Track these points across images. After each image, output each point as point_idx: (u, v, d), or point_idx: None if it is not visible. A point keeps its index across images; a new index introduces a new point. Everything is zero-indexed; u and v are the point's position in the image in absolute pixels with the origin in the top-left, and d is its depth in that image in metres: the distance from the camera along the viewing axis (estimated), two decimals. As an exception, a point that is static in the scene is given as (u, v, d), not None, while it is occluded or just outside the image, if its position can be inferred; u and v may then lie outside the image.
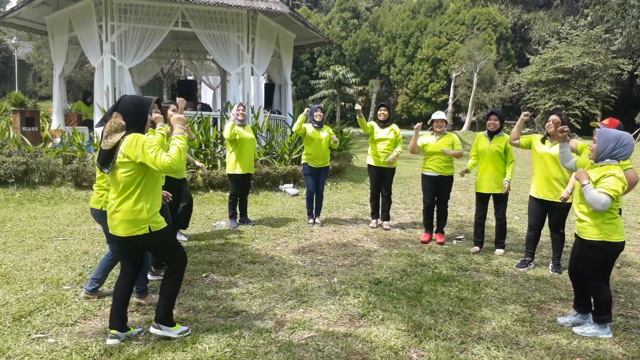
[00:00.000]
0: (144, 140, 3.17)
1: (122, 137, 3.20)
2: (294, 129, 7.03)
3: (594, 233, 3.65)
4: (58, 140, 10.04)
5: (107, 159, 3.21)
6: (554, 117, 5.10)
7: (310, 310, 4.04)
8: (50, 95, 17.41)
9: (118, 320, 3.39)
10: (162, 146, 3.29)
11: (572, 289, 4.05)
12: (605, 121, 4.47)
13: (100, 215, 3.87)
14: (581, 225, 3.75)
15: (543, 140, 5.22)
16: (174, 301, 3.51)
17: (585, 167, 3.82)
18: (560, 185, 5.03)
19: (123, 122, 3.22)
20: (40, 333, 3.47)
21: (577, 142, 4.73)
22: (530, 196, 5.34)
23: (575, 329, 3.78)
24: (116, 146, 3.18)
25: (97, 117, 9.96)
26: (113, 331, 3.36)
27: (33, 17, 11.58)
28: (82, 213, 7.29)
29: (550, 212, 5.18)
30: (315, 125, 6.93)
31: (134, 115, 3.27)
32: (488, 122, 5.81)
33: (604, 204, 3.48)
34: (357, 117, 6.69)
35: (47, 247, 5.56)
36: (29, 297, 4.08)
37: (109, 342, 3.33)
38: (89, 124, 11.01)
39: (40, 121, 10.88)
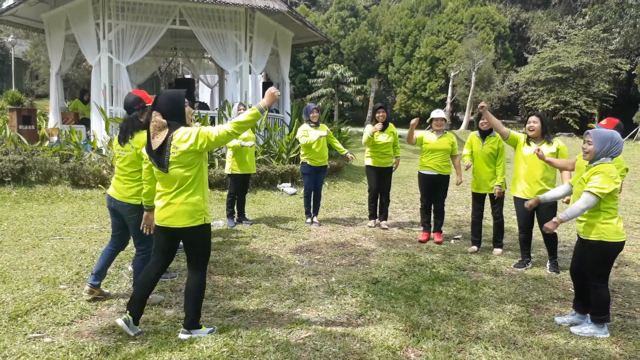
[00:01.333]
0: (192, 131, 3.25)
1: (168, 134, 3.24)
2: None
3: (591, 233, 3.67)
4: (55, 138, 10.01)
5: (161, 158, 3.24)
6: (533, 118, 5.13)
7: (308, 309, 4.03)
8: (47, 94, 17.37)
9: (138, 307, 3.43)
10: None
11: (571, 289, 4.05)
12: (603, 121, 4.47)
13: (131, 210, 3.88)
14: (580, 225, 3.77)
15: (528, 142, 5.20)
16: (202, 303, 3.54)
17: (581, 169, 3.82)
18: (547, 184, 5.06)
19: (164, 121, 3.25)
20: (37, 332, 3.45)
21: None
22: (516, 197, 5.32)
23: (573, 329, 3.78)
24: (164, 144, 3.22)
25: (94, 115, 9.92)
26: (129, 315, 3.39)
27: (30, 15, 11.54)
28: (79, 212, 7.27)
29: (538, 212, 5.17)
30: (313, 124, 6.92)
31: (173, 109, 3.30)
32: (481, 121, 5.80)
33: (588, 205, 3.55)
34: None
35: (43, 246, 5.53)
36: (25, 296, 4.06)
37: (119, 321, 3.37)
38: (86, 122, 10.98)
39: (37, 119, 10.84)
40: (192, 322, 3.45)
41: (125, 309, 3.53)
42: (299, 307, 4.08)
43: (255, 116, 3.32)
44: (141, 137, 3.78)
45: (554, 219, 3.73)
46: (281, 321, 3.77)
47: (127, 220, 3.97)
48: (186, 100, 3.48)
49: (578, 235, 3.84)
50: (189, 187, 3.29)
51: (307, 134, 6.82)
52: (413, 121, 6.16)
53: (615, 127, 4.38)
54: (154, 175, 3.43)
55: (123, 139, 3.93)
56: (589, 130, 3.73)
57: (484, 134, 5.76)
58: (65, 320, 3.66)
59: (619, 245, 3.68)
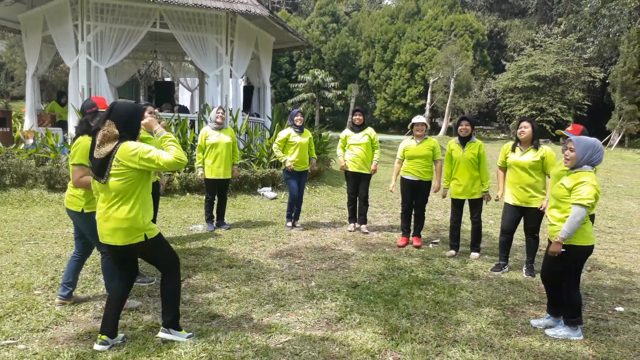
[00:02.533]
0: (139, 147, 3.14)
1: (116, 146, 3.15)
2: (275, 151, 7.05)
3: (567, 239, 3.72)
4: (31, 141, 9.82)
5: (102, 168, 3.14)
6: (524, 123, 5.21)
7: (288, 314, 4.03)
8: (23, 95, 17.03)
9: (112, 325, 3.34)
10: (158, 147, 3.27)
11: (545, 293, 4.12)
12: (569, 127, 4.57)
13: (78, 217, 3.82)
14: (552, 229, 3.83)
15: (513, 148, 5.29)
16: (179, 303, 3.50)
17: (561, 175, 3.90)
18: (534, 191, 5.13)
19: (117, 132, 3.16)
20: (10, 339, 3.38)
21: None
22: (505, 202, 5.42)
23: (548, 332, 3.85)
24: (109, 155, 3.13)
25: (71, 118, 9.76)
26: (103, 337, 3.29)
27: (6, 15, 11.31)
28: (55, 216, 7.14)
29: (526, 217, 5.27)
30: (297, 130, 6.93)
31: (128, 123, 3.22)
32: (459, 127, 5.86)
33: (582, 217, 3.59)
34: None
35: (17, 250, 5.42)
36: (-2, 302, 3.98)
37: (97, 347, 3.26)
38: (63, 124, 10.79)
39: (13, 122, 10.62)
40: (172, 322, 3.44)
41: (99, 329, 3.37)
42: (278, 311, 4.08)
43: (175, 138, 3.34)
44: (82, 140, 3.73)
45: (557, 239, 3.67)
46: (260, 326, 3.77)
47: (81, 228, 3.93)
48: (153, 110, 3.44)
49: (548, 240, 3.92)
50: (127, 202, 3.18)
51: (281, 145, 6.90)
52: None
53: (580, 132, 4.47)
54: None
55: (72, 140, 3.90)
56: (571, 137, 3.78)
57: (464, 140, 5.83)
58: (39, 327, 3.59)
59: (589, 249, 3.77)
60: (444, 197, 4.83)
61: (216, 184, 6.80)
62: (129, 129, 3.22)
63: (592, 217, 4.30)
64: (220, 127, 6.70)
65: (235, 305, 4.17)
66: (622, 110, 26.75)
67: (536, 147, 5.16)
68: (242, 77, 13.09)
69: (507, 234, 5.42)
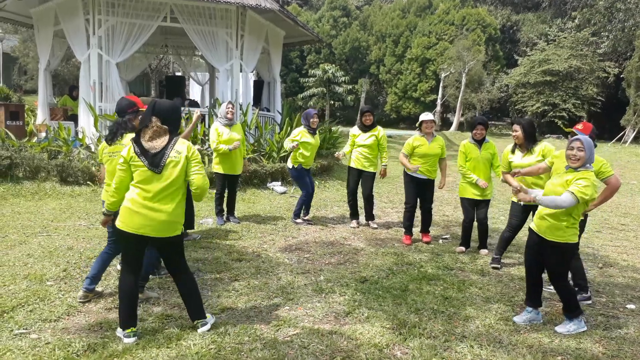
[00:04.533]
0: (197, 151, 3.42)
1: (171, 139, 3.32)
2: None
3: (558, 235, 3.73)
4: (43, 134, 9.93)
5: (157, 159, 3.27)
6: (515, 127, 5.18)
7: (296, 307, 4.05)
8: (35, 89, 17.16)
9: (134, 317, 3.41)
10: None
11: (527, 285, 4.08)
12: (579, 126, 4.50)
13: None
14: (542, 224, 3.82)
15: (513, 150, 5.24)
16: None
17: (560, 173, 3.86)
18: (539, 187, 5.09)
19: (164, 126, 3.31)
20: (23, 329, 3.44)
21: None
22: (513, 201, 5.34)
23: (558, 329, 3.83)
24: (166, 146, 3.29)
25: (82, 112, 9.84)
26: (131, 330, 3.33)
27: (19, 10, 11.41)
28: (67, 209, 7.22)
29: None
30: (311, 131, 6.92)
31: (173, 118, 3.39)
32: (475, 131, 5.75)
33: (567, 204, 3.58)
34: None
35: (30, 242, 5.49)
36: (11, 292, 4.04)
37: (128, 340, 3.29)
38: (75, 118, 10.88)
39: (25, 115, 10.73)
40: (203, 312, 3.58)
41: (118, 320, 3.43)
42: (287, 305, 4.10)
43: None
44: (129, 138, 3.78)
45: (534, 196, 3.77)
46: (269, 319, 3.79)
47: None
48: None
49: (534, 233, 3.89)
50: (176, 195, 3.35)
51: (295, 139, 6.86)
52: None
53: (591, 131, 4.44)
54: (127, 183, 3.38)
55: (111, 139, 3.94)
56: (579, 137, 3.72)
57: (480, 142, 5.79)
58: (51, 317, 3.64)
59: (577, 246, 3.85)
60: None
61: (226, 179, 6.83)
62: (174, 124, 3.39)
63: (582, 223, 4.36)
64: (230, 123, 6.70)
65: (244, 298, 4.20)
66: (637, 105, 26.35)
67: (529, 150, 5.09)
68: (252, 72, 13.09)
69: (513, 230, 5.36)
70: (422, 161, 6.15)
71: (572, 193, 3.57)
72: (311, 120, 6.92)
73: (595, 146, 4.39)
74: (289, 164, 7.03)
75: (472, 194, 5.81)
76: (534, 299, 4.03)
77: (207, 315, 3.61)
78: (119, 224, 3.34)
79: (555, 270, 3.86)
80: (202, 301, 3.59)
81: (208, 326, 3.52)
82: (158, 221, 3.29)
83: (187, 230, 5.83)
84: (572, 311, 3.83)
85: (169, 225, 3.34)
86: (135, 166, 3.31)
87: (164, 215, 3.30)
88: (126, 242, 3.42)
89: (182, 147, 3.34)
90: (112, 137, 3.96)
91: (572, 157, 3.68)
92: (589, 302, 4.47)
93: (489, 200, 5.89)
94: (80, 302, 3.93)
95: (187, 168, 3.35)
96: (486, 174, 5.79)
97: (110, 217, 3.58)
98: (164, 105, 3.38)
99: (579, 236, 4.10)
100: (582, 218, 4.28)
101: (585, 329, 3.81)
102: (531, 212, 5.23)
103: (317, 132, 7.09)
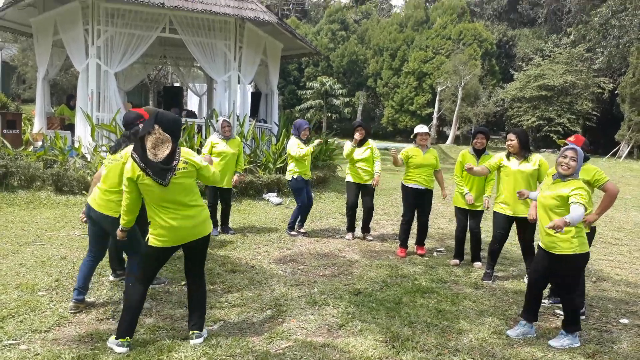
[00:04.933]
0: (194, 154, 3.48)
1: (175, 148, 3.31)
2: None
3: (566, 247, 3.73)
4: (39, 143, 9.91)
5: (164, 172, 3.23)
6: (510, 136, 5.18)
7: (289, 320, 4.03)
8: (33, 98, 17.17)
9: (133, 328, 3.41)
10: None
11: (528, 299, 4.07)
12: (572, 138, 4.56)
13: (112, 222, 3.85)
14: (550, 240, 3.81)
15: (508, 157, 5.25)
16: None
17: (548, 184, 3.92)
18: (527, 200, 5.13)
19: (168, 135, 3.28)
20: (13, 339, 3.41)
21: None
22: (497, 212, 5.34)
23: (552, 342, 3.82)
24: (171, 158, 3.25)
25: (79, 121, 9.85)
26: (126, 339, 3.32)
27: (19, 19, 11.46)
28: (62, 218, 7.20)
29: (523, 227, 5.20)
30: (303, 141, 6.95)
31: (174, 130, 3.35)
32: (475, 140, 5.79)
33: (582, 212, 3.58)
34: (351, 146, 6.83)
35: (23, 252, 5.47)
36: (2, 302, 4.00)
37: (120, 350, 3.28)
38: (73, 128, 10.89)
39: (22, 124, 10.73)
40: (203, 324, 3.61)
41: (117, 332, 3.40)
42: (280, 317, 4.08)
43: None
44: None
45: (565, 218, 3.52)
46: (261, 331, 3.77)
47: (111, 233, 3.95)
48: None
49: (543, 250, 3.90)
50: (195, 199, 3.42)
51: (302, 146, 6.86)
52: (393, 151, 6.22)
53: (583, 144, 4.51)
54: (135, 202, 3.39)
55: (115, 151, 3.97)
56: (573, 146, 3.80)
57: (479, 153, 5.81)
58: (42, 328, 3.61)
59: (587, 256, 3.82)
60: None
61: (217, 191, 6.84)
62: (174, 136, 3.35)
63: (591, 236, 4.37)
64: (227, 138, 6.77)
65: (237, 309, 4.18)
66: (631, 121, 26.57)
67: (525, 158, 5.12)
68: (250, 83, 13.15)
69: (499, 242, 5.37)
70: (417, 172, 6.20)
71: (578, 203, 3.59)
72: (302, 132, 6.95)
73: (587, 159, 4.45)
74: (288, 176, 7.04)
75: (464, 203, 5.84)
76: (531, 313, 4.02)
77: (204, 329, 3.61)
78: (157, 242, 3.34)
79: (565, 282, 3.85)
80: (205, 314, 3.61)
81: (202, 340, 3.50)
82: (195, 224, 3.39)
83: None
84: (571, 325, 3.82)
85: (204, 223, 3.46)
86: (146, 185, 3.26)
87: (198, 217, 3.41)
88: (158, 256, 3.45)
89: (188, 157, 3.37)
90: (117, 147, 3.98)
91: (563, 165, 3.74)
92: (583, 317, 4.47)
93: (481, 211, 5.89)
94: (71, 312, 3.90)
95: (198, 174, 3.46)
96: (480, 186, 5.80)
97: (126, 233, 3.59)
98: (166, 117, 3.36)
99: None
100: (588, 231, 4.28)
101: (579, 344, 3.80)
102: (515, 222, 5.24)
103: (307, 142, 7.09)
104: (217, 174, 3.58)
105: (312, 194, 7.23)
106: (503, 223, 5.27)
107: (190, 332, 3.52)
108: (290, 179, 7.01)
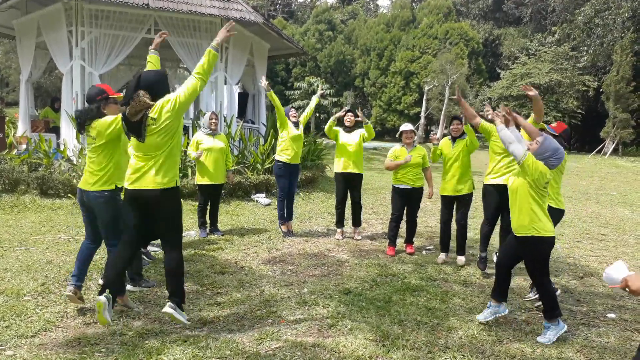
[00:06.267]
0: (170, 97, 3.49)
1: (148, 109, 3.42)
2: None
3: (525, 230, 3.84)
4: (23, 147, 9.77)
5: (138, 128, 3.42)
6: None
7: (279, 320, 4.01)
8: (17, 102, 16.96)
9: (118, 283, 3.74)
10: None
11: (496, 279, 4.14)
12: (554, 124, 4.65)
13: (93, 196, 3.91)
14: (513, 221, 3.94)
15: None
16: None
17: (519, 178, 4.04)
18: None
19: (150, 102, 3.40)
20: (-2, 345, 3.35)
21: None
22: (487, 185, 5.47)
23: (540, 339, 3.85)
24: (142, 119, 3.40)
25: (64, 124, 9.74)
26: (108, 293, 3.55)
27: (1, 21, 11.31)
28: (47, 222, 7.10)
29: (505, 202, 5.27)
30: (294, 124, 6.95)
31: (162, 90, 3.50)
32: (451, 127, 5.88)
33: (517, 153, 3.76)
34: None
35: (8, 256, 5.38)
36: (-14, 308, 3.94)
37: (102, 298, 3.50)
38: (57, 130, 10.76)
39: (6, 127, 10.56)
40: (180, 300, 3.66)
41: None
42: (270, 318, 4.06)
43: (213, 56, 3.56)
44: (98, 123, 3.86)
45: (491, 116, 4.07)
46: (251, 332, 3.75)
47: (97, 212, 3.97)
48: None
49: (513, 232, 3.98)
50: (168, 156, 3.52)
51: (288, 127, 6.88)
52: (407, 158, 6.21)
53: (563, 131, 4.61)
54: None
55: (80, 128, 3.98)
56: (544, 134, 3.91)
57: (455, 139, 5.87)
58: (28, 333, 3.56)
59: (551, 240, 3.85)
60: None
61: (210, 190, 6.80)
62: (162, 93, 3.49)
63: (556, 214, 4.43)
64: (213, 133, 6.73)
65: (227, 311, 4.15)
66: (615, 118, 26.94)
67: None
68: (237, 84, 13.09)
69: (490, 222, 5.57)
70: (404, 172, 6.21)
71: (528, 150, 3.76)
72: (290, 114, 6.98)
73: (567, 148, 4.50)
74: (276, 157, 7.04)
75: (449, 190, 5.86)
76: (497, 292, 4.10)
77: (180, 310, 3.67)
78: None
79: (531, 266, 3.95)
80: (182, 287, 3.73)
81: (172, 311, 3.56)
82: (150, 178, 3.59)
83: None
84: (550, 311, 3.87)
85: (160, 177, 3.61)
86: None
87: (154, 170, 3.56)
88: (126, 208, 3.78)
89: (157, 111, 3.44)
90: (80, 127, 3.97)
91: (529, 145, 3.87)
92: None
93: (467, 201, 5.88)
94: (68, 296, 3.95)
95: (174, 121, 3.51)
96: (459, 170, 5.79)
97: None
98: (149, 77, 3.45)
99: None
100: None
101: (565, 329, 3.86)
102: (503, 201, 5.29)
103: (299, 126, 7.04)
104: (190, 85, 3.53)
105: (296, 187, 7.16)
106: (493, 203, 5.40)
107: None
108: (276, 159, 7.03)
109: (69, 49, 9.66)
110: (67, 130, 9.69)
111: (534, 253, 3.88)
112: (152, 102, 3.41)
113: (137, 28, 9.95)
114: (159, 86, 3.49)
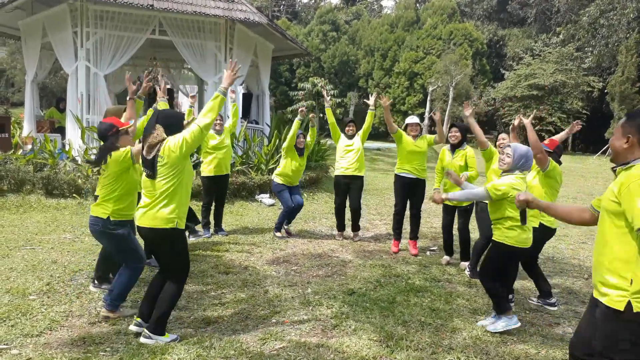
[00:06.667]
0: (178, 138, 3.43)
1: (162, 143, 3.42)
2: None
3: (497, 234, 3.98)
4: (29, 147, 9.82)
5: (151, 165, 3.42)
6: (502, 135, 5.46)
7: (283, 320, 4.02)
8: (23, 102, 17.04)
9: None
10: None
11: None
12: (546, 141, 4.67)
13: (103, 226, 3.89)
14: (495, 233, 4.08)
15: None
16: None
17: (497, 174, 4.21)
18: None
19: (165, 136, 3.42)
20: (4, 344, 3.37)
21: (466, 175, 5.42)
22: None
23: (489, 327, 3.94)
24: (156, 154, 3.40)
25: (69, 124, 9.78)
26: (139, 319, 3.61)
27: (6, 22, 11.37)
28: (52, 221, 7.13)
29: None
30: (298, 152, 6.93)
31: (175, 127, 3.49)
32: (449, 134, 5.86)
33: (476, 196, 4.03)
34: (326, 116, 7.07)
35: (14, 256, 5.41)
36: (-8, 307, 3.96)
37: (133, 328, 3.60)
38: (62, 130, 10.81)
39: (12, 128, 10.63)
40: (157, 328, 3.50)
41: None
42: (274, 318, 4.07)
43: (220, 101, 3.57)
44: (117, 154, 3.84)
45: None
46: (255, 332, 3.75)
47: (100, 240, 4.03)
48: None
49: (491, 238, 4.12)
50: (170, 196, 3.42)
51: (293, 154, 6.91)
52: (387, 104, 6.18)
53: (556, 147, 4.65)
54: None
55: (97, 164, 3.91)
56: (509, 144, 3.97)
57: (454, 147, 5.84)
58: (33, 332, 3.58)
59: (513, 250, 3.91)
60: (437, 202, 4.56)
61: (216, 184, 6.80)
62: (174, 132, 3.48)
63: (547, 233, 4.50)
64: (219, 132, 6.81)
65: (231, 311, 4.16)
66: (620, 119, 26.79)
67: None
68: (241, 85, 13.12)
69: (488, 238, 5.55)
70: (409, 160, 6.20)
71: (486, 187, 3.89)
72: (298, 140, 6.93)
73: (560, 164, 4.51)
74: (274, 177, 7.04)
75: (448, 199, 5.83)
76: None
77: (166, 334, 3.53)
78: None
79: (484, 263, 4.10)
80: (166, 317, 3.54)
81: (148, 341, 3.46)
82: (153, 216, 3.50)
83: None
84: (498, 307, 3.98)
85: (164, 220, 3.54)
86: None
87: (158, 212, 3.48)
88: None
89: (166, 150, 3.40)
90: (98, 162, 3.91)
91: (501, 161, 3.97)
92: (554, 308, 4.60)
93: (468, 210, 5.86)
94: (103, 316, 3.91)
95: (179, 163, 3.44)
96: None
97: None
98: (168, 114, 3.53)
99: (539, 247, 4.46)
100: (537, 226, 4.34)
101: (519, 324, 3.92)
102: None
103: (304, 153, 7.05)
104: (195, 130, 3.46)
105: (301, 198, 7.14)
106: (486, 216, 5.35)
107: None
108: (273, 178, 7.07)
109: (74, 49, 9.70)
110: (72, 131, 9.74)
111: (492, 253, 4.07)
112: (166, 136, 3.43)
113: (141, 29, 9.98)
114: (174, 125, 3.49)
